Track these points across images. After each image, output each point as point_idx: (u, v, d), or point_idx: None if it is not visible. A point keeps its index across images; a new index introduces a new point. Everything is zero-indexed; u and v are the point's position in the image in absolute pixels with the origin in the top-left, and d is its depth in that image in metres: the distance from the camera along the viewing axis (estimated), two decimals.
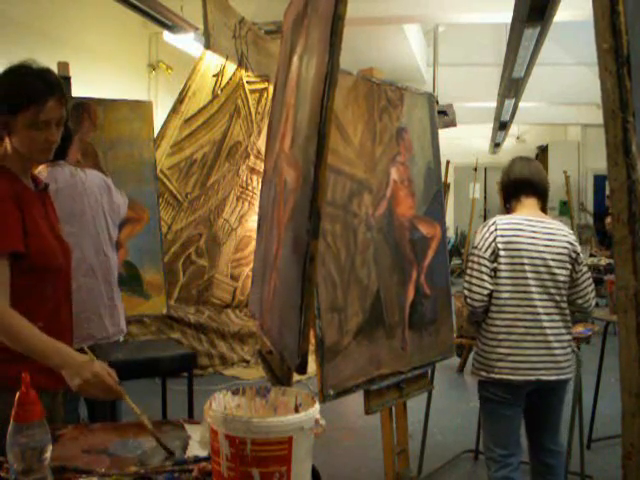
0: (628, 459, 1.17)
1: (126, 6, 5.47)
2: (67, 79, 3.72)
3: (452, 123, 8.26)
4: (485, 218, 13.03)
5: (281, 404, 1.30)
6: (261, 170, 5.53)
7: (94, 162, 3.78)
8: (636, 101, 1.16)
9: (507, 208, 2.76)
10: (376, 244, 2.33)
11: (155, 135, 4.49)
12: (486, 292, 2.56)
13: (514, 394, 2.58)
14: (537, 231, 2.59)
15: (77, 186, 2.83)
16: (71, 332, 1.88)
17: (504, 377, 2.55)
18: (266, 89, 6.10)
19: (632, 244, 1.15)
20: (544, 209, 2.74)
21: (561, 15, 5.95)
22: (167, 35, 6.31)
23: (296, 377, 1.54)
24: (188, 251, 5.98)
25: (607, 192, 10.88)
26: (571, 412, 3.15)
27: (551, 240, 2.59)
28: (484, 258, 2.56)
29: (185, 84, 5.41)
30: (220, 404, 1.26)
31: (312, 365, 1.68)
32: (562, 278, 2.58)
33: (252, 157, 6.28)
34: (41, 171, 2.64)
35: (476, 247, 2.61)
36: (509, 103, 9.46)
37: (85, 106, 3.83)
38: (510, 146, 13.93)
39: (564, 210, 12.47)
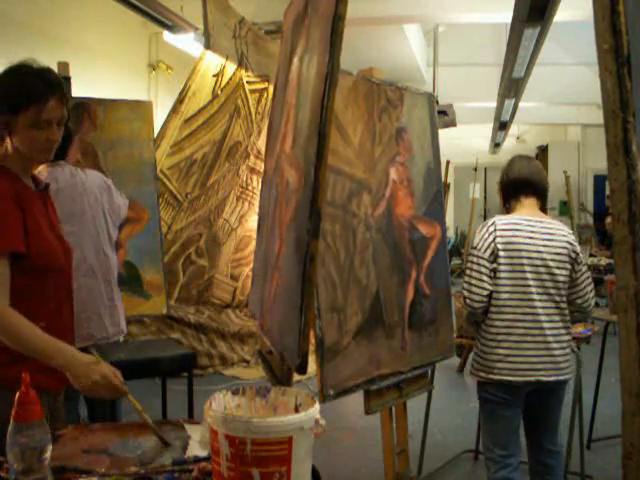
0: (628, 459, 1.17)
1: (126, 6, 5.47)
2: (67, 79, 3.72)
3: (452, 123, 8.26)
4: (485, 218, 13.02)
5: (281, 404, 1.30)
6: (261, 170, 5.54)
7: (94, 162, 3.78)
8: (636, 101, 1.16)
9: (506, 208, 2.76)
10: (375, 244, 2.33)
11: (155, 135, 4.48)
12: (486, 293, 2.55)
13: (513, 395, 2.58)
14: (536, 231, 2.59)
15: (77, 186, 2.83)
16: (72, 332, 1.88)
17: (503, 378, 2.54)
18: (266, 89, 6.10)
19: (632, 244, 1.15)
20: (544, 209, 2.74)
21: (561, 15, 5.95)
22: (167, 35, 6.31)
23: (296, 377, 1.55)
24: (188, 251, 5.98)
25: (607, 192, 10.89)
26: (571, 412, 3.15)
27: (550, 240, 2.58)
28: (483, 259, 2.56)
29: (185, 84, 5.41)
30: (220, 404, 1.26)
31: (312, 365, 1.68)
32: (562, 278, 2.58)
33: (252, 157, 6.28)
34: (41, 171, 2.64)
35: (475, 247, 2.61)
36: (509, 103, 9.46)
37: (85, 106, 3.83)
38: (510, 146, 13.93)
39: (564, 210, 12.47)
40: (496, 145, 13.62)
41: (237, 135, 5.97)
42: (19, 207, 1.67)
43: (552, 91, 11.30)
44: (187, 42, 6.38)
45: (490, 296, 2.57)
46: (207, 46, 5.24)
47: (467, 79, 11.19)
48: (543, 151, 14.12)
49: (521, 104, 9.99)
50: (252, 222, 6.31)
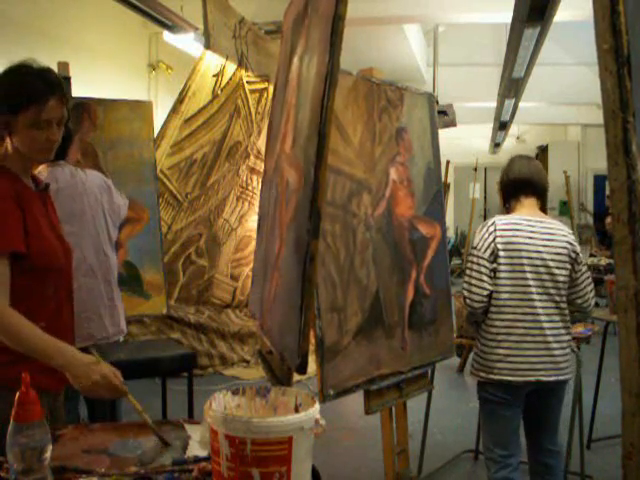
0: (628, 459, 1.17)
1: (126, 6, 5.47)
2: (67, 79, 3.72)
3: (452, 123, 8.26)
4: (485, 218, 13.02)
5: (281, 404, 1.30)
6: (261, 170, 5.54)
7: (94, 162, 3.78)
8: (636, 101, 1.16)
9: (506, 208, 2.75)
10: (375, 244, 2.33)
11: (155, 135, 4.48)
12: (486, 293, 2.55)
13: (513, 395, 2.58)
14: (536, 231, 2.58)
15: (77, 186, 2.83)
16: (73, 332, 1.88)
17: (503, 378, 2.54)
18: (266, 89, 6.10)
19: (632, 244, 1.15)
20: (544, 209, 2.73)
21: (561, 15, 5.95)
22: (167, 35, 6.31)
23: (296, 377, 1.54)
24: (188, 251, 5.98)
25: (607, 192, 10.89)
26: (571, 412, 3.15)
27: (550, 240, 2.58)
28: (483, 259, 2.56)
29: (185, 84, 5.41)
30: (220, 404, 1.26)
31: (312, 365, 1.68)
32: (562, 278, 2.58)
33: (252, 157, 6.28)
34: (41, 171, 2.64)
35: (475, 248, 2.60)
36: (509, 103, 9.46)
37: (85, 106, 3.83)
38: (510, 146, 13.93)
39: (564, 210, 12.48)
40: (496, 145, 13.62)
41: (237, 135, 5.97)
42: (19, 207, 1.67)
43: (552, 91, 11.30)
44: (187, 42, 6.38)
45: (490, 296, 2.56)
46: (207, 46, 5.24)
47: (467, 79, 11.19)
48: (543, 151, 14.12)
49: (521, 104, 9.99)
50: (252, 222, 6.31)
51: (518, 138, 14.83)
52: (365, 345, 2.22)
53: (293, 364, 1.35)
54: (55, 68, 3.29)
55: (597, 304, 6.49)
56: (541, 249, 2.56)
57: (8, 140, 1.73)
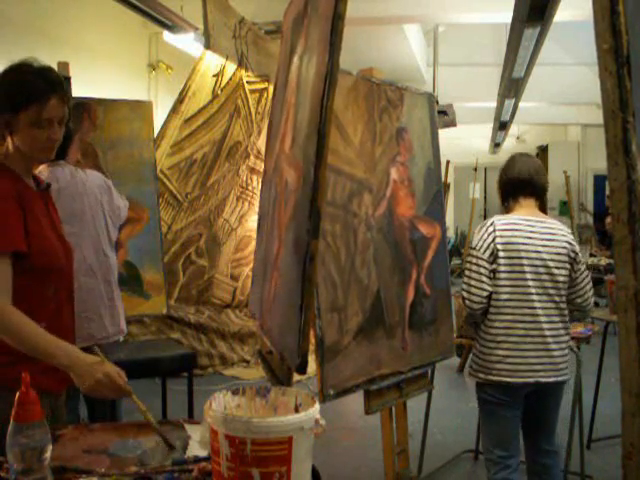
0: (628, 459, 1.16)
1: (126, 6, 5.47)
2: (67, 79, 3.72)
3: (452, 123, 8.26)
4: (485, 218, 13.02)
5: (281, 404, 1.30)
6: (261, 170, 5.53)
7: (94, 162, 3.78)
8: (636, 101, 1.16)
9: (505, 206, 2.74)
10: (376, 244, 2.33)
11: (155, 135, 4.48)
12: (485, 294, 2.54)
13: (512, 396, 2.58)
14: (536, 231, 2.58)
15: (77, 186, 2.83)
16: (73, 332, 1.88)
17: (502, 379, 2.54)
18: (266, 89, 6.10)
19: (632, 244, 1.15)
20: (544, 209, 2.73)
21: (561, 15, 5.95)
22: (167, 35, 6.31)
23: (296, 377, 1.54)
24: (188, 251, 5.99)
25: (607, 192, 10.89)
26: (571, 412, 3.15)
27: (550, 240, 2.58)
28: (483, 259, 2.55)
29: (185, 84, 5.41)
30: (220, 404, 1.26)
31: (312, 365, 1.68)
32: (561, 278, 2.58)
33: (252, 157, 6.28)
34: (42, 171, 2.64)
35: (474, 248, 2.59)
36: (509, 103, 9.47)
37: (85, 106, 3.83)
38: (510, 146, 13.93)
39: (564, 210, 12.48)
40: (496, 145, 13.62)
41: (237, 135, 5.97)
42: (20, 207, 1.67)
43: (552, 91, 11.30)
44: (187, 42, 6.38)
45: (489, 297, 2.56)
46: (207, 46, 5.24)
47: (467, 79, 11.19)
48: (543, 151, 14.12)
49: (521, 104, 9.99)
50: (252, 222, 6.31)
51: (518, 138, 14.83)
52: (365, 345, 2.22)
53: (293, 364, 1.35)
54: (55, 68, 3.29)
55: (597, 304, 6.50)
56: (540, 249, 2.55)
57: (9, 139, 1.73)
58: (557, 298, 2.58)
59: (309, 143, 1.37)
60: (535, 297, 2.54)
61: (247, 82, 5.89)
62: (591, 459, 3.59)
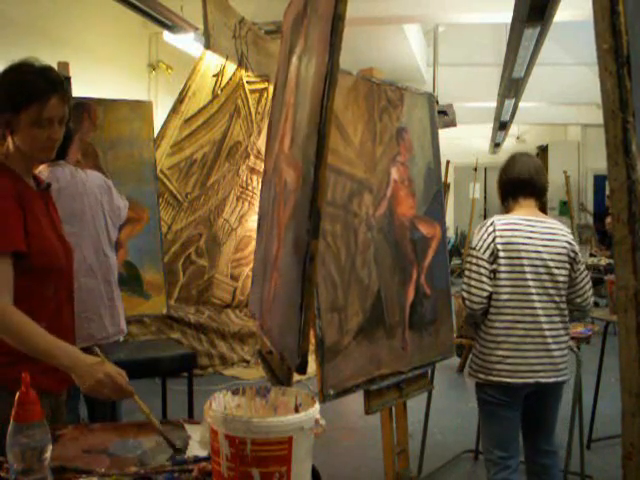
0: (628, 459, 1.17)
1: (126, 6, 5.47)
2: (67, 79, 3.72)
3: (452, 123, 8.26)
4: (485, 218, 13.01)
5: (281, 404, 1.30)
6: (261, 170, 5.54)
7: (94, 162, 3.78)
8: (636, 101, 1.16)
9: (505, 206, 2.74)
10: (376, 244, 2.33)
11: (155, 135, 4.49)
12: (485, 294, 2.53)
13: (512, 396, 2.57)
14: (536, 231, 2.57)
15: (78, 186, 2.83)
16: (74, 333, 1.88)
17: (503, 380, 2.53)
18: (266, 89, 6.10)
19: (632, 244, 1.15)
20: (544, 209, 2.72)
21: (561, 15, 5.95)
22: (167, 35, 6.31)
23: (296, 377, 1.54)
24: (188, 251, 5.99)
25: (607, 192, 10.89)
26: (571, 412, 3.15)
27: (551, 240, 2.57)
28: (483, 259, 2.54)
29: (185, 84, 5.41)
30: (220, 404, 1.26)
31: (312, 365, 1.68)
32: (561, 278, 2.57)
33: (252, 157, 6.28)
34: (42, 170, 2.64)
35: (474, 248, 2.58)
36: (509, 103, 9.47)
37: (85, 106, 3.83)
38: (510, 146, 13.93)
39: (564, 210, 12.48)
40: (496, 145, 13.62)
41: (237, 135, 5.97)
42: (20, 207, 1.67)
43: (552, 91, 11.30)
44: (187, 42, 6.38)
45: (490, 297, 2.55)
46: (207, 46, 5.24)
47: (467, 79, 11.19)
48: (543, 151, 14.12)
49: (521, 104, 9.99)
50: (252, 222, 6.31)
51: (518, 138, 14.83)
52: (366, 345, 2.22)
53: (293, 364, 1.35)
54: (55, 68, 3.29)
55: (597, 304, 6.50)
56: (541, 249, 2.55)
57: (9, 139, 1.72)
58: (557, 298, 2.57)
59: (309, 143, 1.37)
60: (535, 297, 2.54)
61: (247, 82, 5.89)
62: (591, 459, 3.59)
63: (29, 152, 1.73)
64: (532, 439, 2.72)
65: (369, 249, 2.30)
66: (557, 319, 2.58)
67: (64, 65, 3.75)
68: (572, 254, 2.59)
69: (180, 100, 5.37)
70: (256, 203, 5.90)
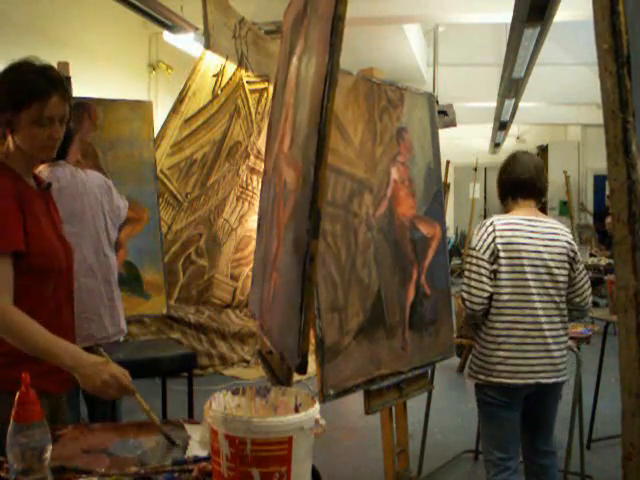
0: (628, 459, 1.17)
1: (126, 6, 5.47)
2: (67, 79, 3.72)
3: (452, 123, 8.26)
4: (485, 218, 13.01)
5: (281, 404, 1.30)
6: (261, 170, 5.53)
7: (94, 162, 3.78)
8: (636, 101, 1.16)
9: (504, 205, 2.73)
10: (377, 244, 2.33)
11: (155, 135, 4.49)
12: (486, 294, 2.52)
13: (513, 397, 2.57)
14: (537, 231, 2.57)
15: (78, 186, 2.83)
16: (73, 332, 1.87)
17: (503, 381, 2.52)
18: (266, 89, 6.10)
19: (632, 244, 1.15)
20: (544, 209, 2.71)
21: (561, 15, 5.95)
22: (167, 35, 6.31)
23: (296, 377, 1.54)
24: (188, 251, 5.98)
25: (607, 192, 10.89)
26: (571, 412, 3.15)
27: (552, 240, 2.57)
28: (483, 260, 2.53)
29: (185, 84, 5.41)
30: (220, 404, 1.26)
31: (312, 365, 1.68)
32: (562, 278, 2.57)
33: (252, 157, 6.28)
34: (42, 170, 2.64)
35: (474, 248, 2.57)
36: (509, 103, 9.47)
37: (85, 106, 3.83)
38: (510, 146, 13.91)
39: (564, 210, 12.48)
40: (496, 145, 13.62)
41: (237, 135, 5.97)
42: (20, 207, 1.67)
43: (552, 91, 11.30)
44: (187, 42, 6.38)
45: (490, 298, 2.54)
46: (207, 46, 5.24)
47: (467, 79, 11.19)
48: (543, 151, 14.12)
49: (521, 104, 9.99)
50: (252, 222, 6.31)
51: (518, 138, 14.83)
52: (366, 345, 2.22)
53: (293, 364, 1.35)
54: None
55: (597, 304, 6.50)
56: (541, 249, 2.54)
57: (10, 138, 1.72)
58: (557, 298, 2.57)
59: (309, 143, 1.37)
60: (536, 297, 2.53)
61: (247, 82, 5.89)
62: (591, 459, 3.59)
63: (29, 151, 1.73)
64: (531, 439, 2.72)
65: (369, 249, 2.30)
66: (557, 319, 2.57)
67: (64, 65, 3.75)
68: (572, 254, 2.59)
69: (180, 100, 5.37)
70: (256, 203, 5.90)
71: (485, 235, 2.56)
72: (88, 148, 3.82)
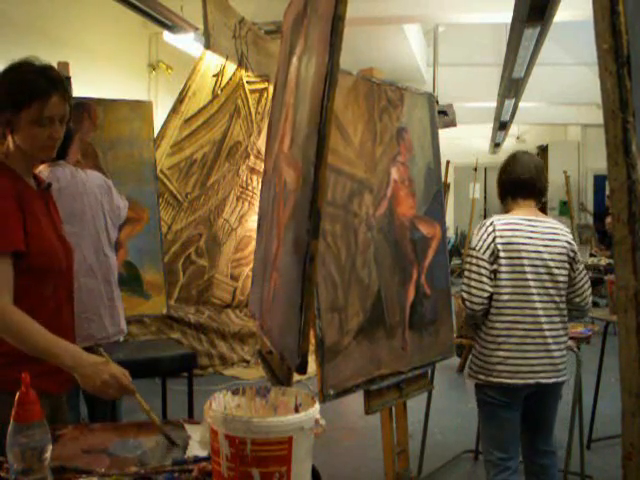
0: (628, 459, 1.17)
1: (126, 6, 5.47)
2: (67, 79, 3.72)
3: (452, 123, 8.26)
4: (485, 218, 13.00)
5: (281, 404, 1.30)
6: (261, 170, 5.54)
7: (94, 162, 3.78)
8: (636, 101, 1.16)
9: (504, 204, 2.73)
10: (376, 244, 2.33)
11: (155, 135, 4.49)
12: (486, 294, 2.52)
13: (513, 397, 2.56)
14: (538, 231, 2.57)
15: (78, 186, 2.83)
16: (73, 332, 1.87)
17: (503, 381, 2.52)
18: (266, 89, 6.10)
19: (632, 244, 1.15)
20: (544, 209, 2.71)
21: (561, 15, 5.95)
22: (167, 35, 6.31)
23: (296, 377, 1.54)
24: (188, 251, 5.99)
25: (607, 192, 10.89)
26: (571, 412, 3.14)
27: (553, 240, 2.57)
28: (483, 260, 2.53)
29: (185, 84, 5.41)
30: (220, 404, 1.26)
31: (312, 365, 1.68)
32: (561, 278, 2.57)
33: (252, 157, 6.28)
34: (42, 170, 2.64)
35: (474, 249, 2.57)
36: (509, 103, 9.47)
37: (85, 106, 3.83)
38: (510, 146, 13.91)
39: (564, 210, 12.48)
40: (496, 145, 13.62)
41: (237, 135, 5.97)
42: (20, 207, 1.67)
43: (552, 91, 11.30)
44: (187, 42, 6.38)
45: (490, 298, 2.54)
46: (207, 46, 5.24)
47: (467, 79, 11.19)
48: (543, 151, 14.13)
49: (521, 104, 9.99)
50: (252, 222, 6.31)
51: (518, 138, 14.83)
52: (366, 345, 2.22)
53: (293, 364, 1.35)
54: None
55: (597, 304, 6.50)
56: (542, 249, 2.54)
57: (10, 138, 1.72)
58: (557, 298, 2.57)
59: (309, 143, 1.37)
60: (536, 297, 2.53)
61: (247, 82, 5.89)
62: (591, 459, 3.59)
63: (29, 151, 1.73)
64: (531, 439, 2.72)
65: (369, 249, 2.30)
66: (557, 319, 2.57)
67: (64, 65, 3.75)
68: (571, 254, 2.59)
69: (180, 100, 5.37)
70: (256, 203, 5.91)
71: (485, 235, 2.56)
72: (88, 148, 3.83)
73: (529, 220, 2.59)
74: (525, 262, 2.53)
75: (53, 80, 1.71)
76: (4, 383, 1.53)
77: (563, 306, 2.59)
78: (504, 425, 2.60)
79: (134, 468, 1.36)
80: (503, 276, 2.53)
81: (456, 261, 11.57)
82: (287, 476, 1.12)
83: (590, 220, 12.65)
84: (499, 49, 9.60)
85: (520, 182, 2.64)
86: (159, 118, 5.09)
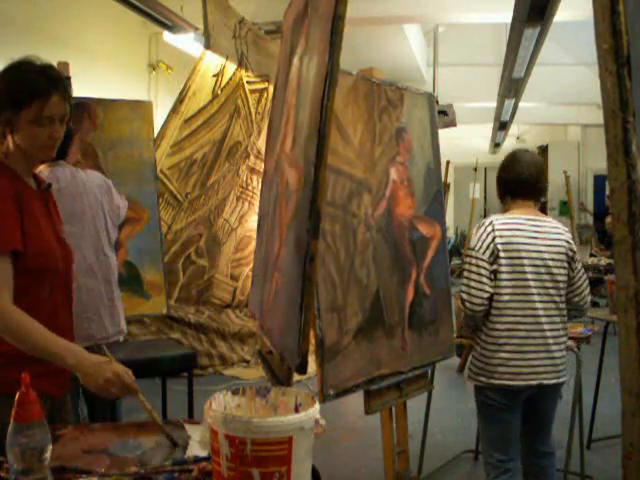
0: (628, 459, 1.17)
1: (126, 6, 5.47)
2: (67, 79, 3.72)
3: (452, 123, 8.27)
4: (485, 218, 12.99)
5: (281, 404, 1.30)
6: (261, 170, 5.54)
7: (94, 162, 3.78)
8: (636, 101, 1.16)
9: (503, 204, 2.72)
10: (375, 244, 2.33)
11: (155, 135, 4.49)
12: (486, 295, 2.50)
13: (513, 399, 2.55)
14: (540, 231, 2.56)
15: (78, 186, 2.83)
16: (71, 334, 1.86)
17: (505, 383, 2.51)
18: (266, 89, 6.10)
19: (632, 244, 1.15)
20: (544, 209, 2.71)
21: (561, 15, 5.95)
22: (167, 35, 6.32)
23: (296, 377, 1.54)
24: (188, 251, 5.99)
25: (607, 192, 10.89)
26: (571, 412, 3.14)
27: (552, 240, 2.56)
28: (483, 260, 2.52)
29: (185, 84, 5.41)
30: (220, 404, 1.26)
31: (312, 365, 1.68)
32: (561, 278, 2.56)
33: (252, 157, 6.28)
34: (42, 170, 2.64)
35: (473, 249, 2.55)
36: (509, 103, 9.47)
37: (85, 106, 3.83)
38: (510, 146, 13.90)
39: (564, 210, 12.48)
40: (496, 145, 13.62)
41: (237, 135, 5.97)
42: (18, 207, 1.66)
43: (552, 91, 11.30)
44: (187, 42, 6.38)
45: (490, 298, 2.53)
46: (207, 46, 5.24)
47: (467, 79, 11.19)
48: (543, 151, 14.12)
49: (521, 104, 10.00)
50: (252, 222, 6.31)
51: (518, 138, 14.83)
52: (365, 345, 2.22)
53: (293, 364, 1.35)
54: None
55: (597, 304, 6.49)
56: (542, 249, 2.53)
57: (10, 138, 1.71)
58: (557, 298, 2.56)
59: (309, 144, 1.37)
60: (536, 297, 2.52)
61: (247, 82, 5.89)
62: (591, 459, 3.59)
63: (29, 151, 1.72)
64: (530, 441, 2.71)
65: (368, 249, 2.29)
66: (557, 319, 2.57)
67: (64, 65, 3.75)
68: (570, 253, 2.58)
69: (180, 100, 5.37)
70: (256, 203, 5.91)
71: (484, 235, 2.55)
72: (88, 148, 3.83)
73: (531, 220, 2.57)
74: (525, 262, 2.52)
75: (53, 79, 1.71)
76: (3, 384, 1.53)
77: (563, 306, 2.59)
78: (504, 427, 2.59)
79: (134, 468, 1.36)
80: (503, 276, 2.52)
81: (456, 261, 11.57)
82: (287, 476, 1.12)
83: (590, 220, 12.65)
84: (499, 49, 9.60)
85: (520, 181, 2.63)
86: (159, 118, 5.09)
